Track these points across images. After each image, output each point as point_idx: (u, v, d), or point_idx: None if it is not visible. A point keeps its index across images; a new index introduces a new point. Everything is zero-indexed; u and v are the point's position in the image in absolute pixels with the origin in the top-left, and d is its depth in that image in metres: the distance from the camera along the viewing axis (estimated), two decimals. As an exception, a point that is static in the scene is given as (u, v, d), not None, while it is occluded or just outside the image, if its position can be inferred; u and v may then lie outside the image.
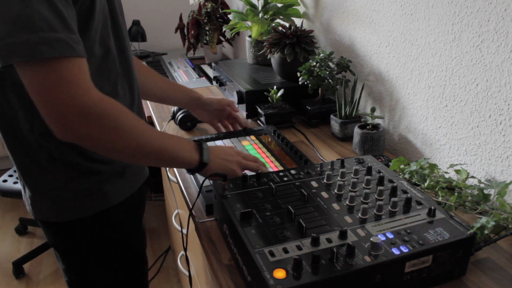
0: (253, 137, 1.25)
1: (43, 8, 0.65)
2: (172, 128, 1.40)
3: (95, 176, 0.90)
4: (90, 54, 0.80)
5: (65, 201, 0.89)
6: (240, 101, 1.47)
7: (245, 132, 1.27)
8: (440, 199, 0.90)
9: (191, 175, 1.06)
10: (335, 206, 0.80)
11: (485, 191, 0.90)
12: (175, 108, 1.39)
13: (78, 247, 0.96)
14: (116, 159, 0.80)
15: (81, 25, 0.76)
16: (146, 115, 1.32)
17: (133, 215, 1.03)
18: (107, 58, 0.85)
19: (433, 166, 0.98)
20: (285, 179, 0.89)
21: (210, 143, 1.16)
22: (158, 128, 1.42)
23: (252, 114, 1.46)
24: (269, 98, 1.40)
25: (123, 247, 1.01)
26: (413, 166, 0.98)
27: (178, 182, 1.10)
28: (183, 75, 2.26)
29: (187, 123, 1.34)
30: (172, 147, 0.83)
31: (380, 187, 0.83)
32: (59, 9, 0.68)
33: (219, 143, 1.21)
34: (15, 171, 2.27)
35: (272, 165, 1.09)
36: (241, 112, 1.50)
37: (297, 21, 1.78)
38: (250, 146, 1.19)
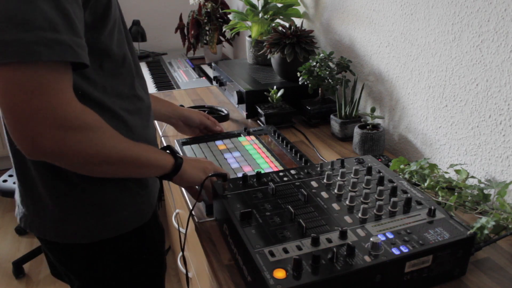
0: (253, 137, 1.25)
1: (47, 6, 0.59)
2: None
3: (135, 186, 0.87)
4: (106, 56, 0.77)
5: (100, 219, 0.85)
6: (240, 101, 1.47)
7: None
8: (440, 199, 0.90)
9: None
10: (335, 206, 0.80)
11: (485, 191, 0.90)
12: None
13: (108, 267, 0.91)
14: (90, 174, 0.74)
15: (97, 27, 0.73)
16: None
17: (159, 224, 1.02)
18: (124, 61, 0.82)
19: (433, 166, 0.98)
20: (285, 179, 0.89)
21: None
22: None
23: (252, 114, 1.46)
24: (269, 98, 1.40)
25: (153, 259, 1.00)
26: (413, 166, 0.98)
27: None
28: (183, 75, 2.26)
29: None
30: (147, 152, 0.80)
31: (380, 187, 0.83)
32: (66, 9, 0.61)
33: (218, 142, 1.21)
34: (15, 171, 2.27)
35: (272, 165, 1.09)
36: (241, 112, 1.51)
37: (297, 21, 1.78)
38: (250, 146, 1.19)
